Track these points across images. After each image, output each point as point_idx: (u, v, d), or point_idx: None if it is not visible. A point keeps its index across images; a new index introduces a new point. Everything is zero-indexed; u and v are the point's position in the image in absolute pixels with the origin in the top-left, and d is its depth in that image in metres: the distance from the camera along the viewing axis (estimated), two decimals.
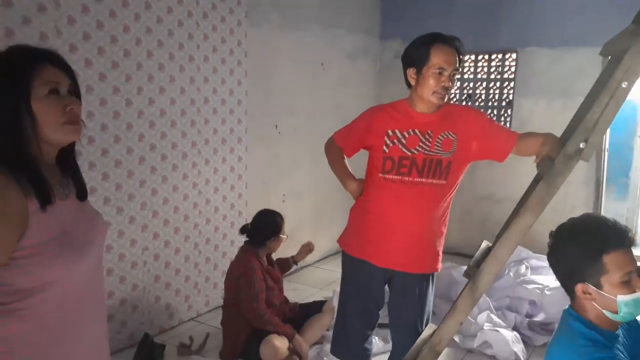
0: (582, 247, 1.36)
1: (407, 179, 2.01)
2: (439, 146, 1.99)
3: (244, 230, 2.98)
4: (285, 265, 3.22)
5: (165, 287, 3.25)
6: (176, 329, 3.32)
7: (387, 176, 2.03)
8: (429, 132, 2.00)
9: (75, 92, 1.16)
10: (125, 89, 2.88)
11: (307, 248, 3.18)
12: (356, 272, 2.21)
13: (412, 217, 2.03)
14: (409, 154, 2.00)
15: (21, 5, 2.39)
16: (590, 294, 1.35)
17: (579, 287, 1.37)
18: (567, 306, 1.50)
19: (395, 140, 2.01)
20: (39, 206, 1.07)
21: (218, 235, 3.57)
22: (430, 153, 1.99)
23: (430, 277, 2.18)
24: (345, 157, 2.22)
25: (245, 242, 2.97)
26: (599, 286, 1.33)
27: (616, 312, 1.34)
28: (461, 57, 1.98)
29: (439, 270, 2.19)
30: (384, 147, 2.03)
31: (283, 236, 2.97)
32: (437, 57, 1.93)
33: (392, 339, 2.33)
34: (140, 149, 3.00)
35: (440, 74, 1.93)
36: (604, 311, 1.35)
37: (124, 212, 2.94)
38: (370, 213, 2.11)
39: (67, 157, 1.22)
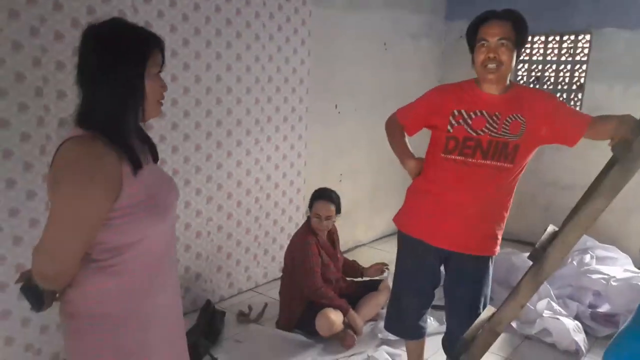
0: None
1: (470, 160, 1.98)
2: (506, 129, 1.95)
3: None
4: (353, 270, 3.26)
5: (226, 257, 3.39)
6: (236, 298, 3.46)
7: (449, 156, 2.01)
8: (496, 113, 1.96)
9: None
10: (195, 65, 2.98)
11: (379, 268, 3.18)
12: (412, 251, 2.22)
13: (471, 199, 2.01)
14: (475, 134, 1.96)
15: None
16: None
17: None
18: None
19: (461, 121, 1.98)
20: (130, 171, 1.16)
21: (277, 210, 3.66)
22: (497, 135, 1.95)
23: (489, 260, 2.15)
24: (406, 135, 2.21)
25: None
26: None
27: None
28: (517, 28, 1.91)
29: (496, 254, 2.15)
30: (449, 127, 2.00)
31: (316, 219, 2.96)
32: (481, 31, 1.92)
33: (446, 320, 2.33)
34: (207, 125, 3.11)
35: (483, 45, 1.91)
36: None
37: (191, 184, 3.08)
38: (429, 193, 2.10)
39: (142, 126, 1.31)
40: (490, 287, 2.21)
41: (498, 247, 2.14)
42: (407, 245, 2.24)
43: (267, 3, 3.34)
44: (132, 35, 1.19)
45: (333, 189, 3.12)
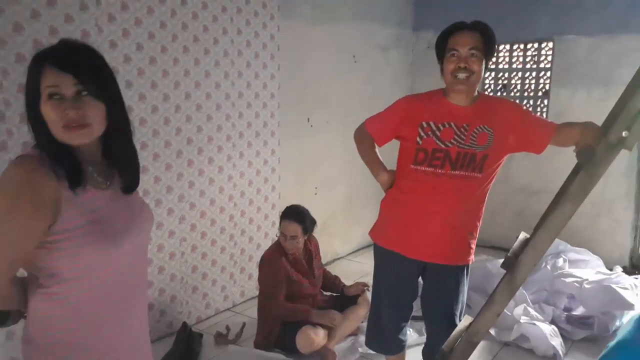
0: None
1: (439, 171, 1.99)
2: (473, 140, 1.96)
3: None
4: (334, 286, 3.23)
5: (202, 277, 3.33)
6: (213, 319, 3.40)
7: (419, 167, 2.02)
8: (464, 125, 1.97)
9: (91, 90, 1.12)
10: (163, 84, 2.95)
11: (360, 289, 3.15)
12: (388, 264, 2.21)
13: (443, 209, 2.02)
14: (443, 146, 1.97)
15: (64, 3, 2.48)
16: None
17: None
18: None
19: (430, 132, 1.99)
20: (72, 194, 1.11)
21: (252, 227, 3.63)
22: (465, 147, 1.96)
23: (464, 269, 2.16)
24: (376, 146, 2.20)
25: None
26: None
27: None
28: (485, 38, 1.94)
29: (471, 262, 2.16)
30: (418, 139, 2.01)
31: (283, 237, 2.92)
32: (451, 42, 1.94)
33: (426, 330, 2.33)
34: (178, 143, 3.07)
35: (453, 55, 1.93)
36: None
37: (162, 204, 3.02)
38: (402, 204, 2.11)
39: (116, 151, 1.24)
40: (466, 295, 2.23)
41: (472, 256, 2.15)
42: (384, 259, 2.23)
43: (234, 19, 3.34)
44: (33, 58, 1.12)
45: (309, 202, 3.10)
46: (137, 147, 2.84)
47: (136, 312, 1.30)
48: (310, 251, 3.08)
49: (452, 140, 1.97)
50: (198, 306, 3.33)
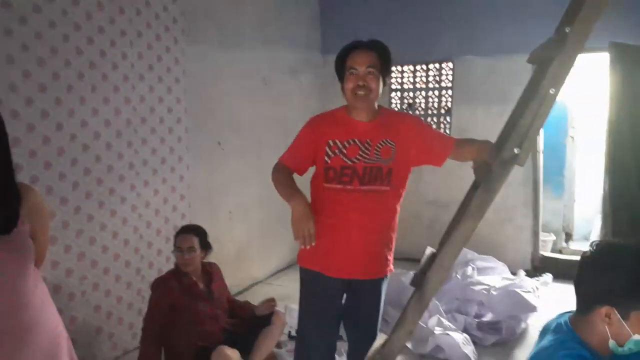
0: (633, 275, 1.27)
1: (349, 187, 2.02)
2: (378, 154, 2.02)
3: None
4: (245, 311, 3.10)
5: (107, 317, 3.09)
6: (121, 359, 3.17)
7: (330, 185, 2.04)
8: (368, 140, 2.02)
9: None
10: (55, 112, 2.74)
11: (269, 305, 3.04)
12: (312, 285, 2.19)
13: (359, 225, 2.04)
14: (350, 163, 2.01)
15: None
16: (610, 319, 1.29)
17: (604, 309, 1.29)
18: (560, 320, 1.43)
19: (337, 151, 2.03)
20: None
21: (161, 258, 3.44)
22: (370, 161, 2.01)
23: (383, 281, 2.20)
24: (293, 174, 2.14)
25: None
26: (625, 317, 1.28)
27: (621, 346, 1.30)
28: (381, 57, 2.01)
29: (390, 273, 2.20)
30: (326, 158, 2.04)
31: (179, 254, 2.79)
32: (349, 61, 2.00)
33: (348, 344, 2.32)
34: (74, 174, 2.85)
35: (352, 74, 1.99)
36: (610, 340, 1.31)
37: (59, 241, 2.77)
38: (319, 224, 2.06)
39: None
40: (383, 306, 2.26)
41: (391, 266, 2.20)
42: (308, 280, 2.21)
43: (134, 43, 3.19)
44: None
45: (224, 228, 3.00)
46: (27, 181, 2.62)
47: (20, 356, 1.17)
48: (210, 273, 2.94)
49: (357, 157, 2.01)
50: (104, 348, 3.07)
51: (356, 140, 2.03)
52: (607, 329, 1.30)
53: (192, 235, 2.82)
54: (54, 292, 2.77)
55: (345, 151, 2.02)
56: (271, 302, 3.05)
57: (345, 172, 2.01)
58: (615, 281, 1.28)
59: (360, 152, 2.02)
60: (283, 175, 2.11)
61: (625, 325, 1.28)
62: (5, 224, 1.20)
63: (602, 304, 1.30)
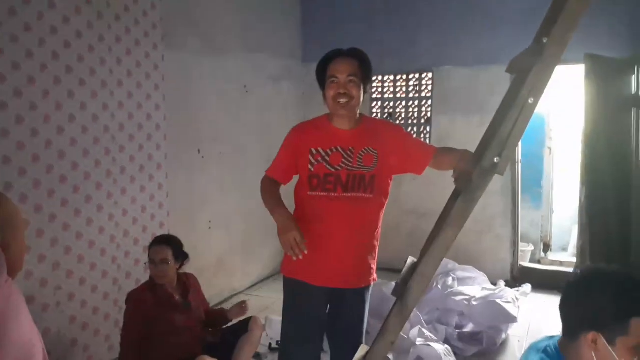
0: (618, 301, 1.26)
1: (333, 194, 2.02)
2: (360, 161, 2.04)
3: None
4: (220, 317, 3.03)
5: (82, 328, 3.01)
6: None
7: (314, 194, 2.04)
8: (350, 148, 2.04)
9: None
10: (31, 117, 2.67)
11: (240, 308, 2.98)
12: (296, 294, 2.17)
13: (342, 232, 2.04)
14: (333, 170, 2.03)
15: None
16: (596, 345, 1.28)
17: (590, 335, 1.29)
18: (549, 342, 1.42)
19: (320, 158, 2.04)
20: None
21: (139, 268, 3.37)
22: (353, 169, 2.03)
23: (367, 290, 2.20)
24: (279, 185, 2.15)
25: None
26: (611, 343, 1.27)
27: None
28: (362, 64, 2.03)
29: (373, 282, 2.20)
30: (309, 166, 2.04)
31: (152, 266, 2.70)
32: (330, 69, 2.02)
33: (331, 350, 2.29)
34: (49, 182, 2.78)
35: (333, 82, 2.01)
36: None
37: (32, 250, 2.70)
38: (303, 231, 2.06)
39: None
40: (367, 313, 2.24)
41: (375, 275, 2.19)
42: (291, 289, 2.19)
43: (113, 49, 3.15)
44: None
45: (203, 238, 2.94)
46: (0, 188, 2.55)
47: None
48: (186, 284, 2.87)
49: (340, 164, 2.03)
50: None
51: (339, 147, 2.04)
52: (594, 355, 1.29)
53: (165, 246, 2.72)
54: (27, 303, 2.68)
55: (328, 159, 2.03)
56: (242, 304, 2.98)
57: (328, 180, 2.02)
58: (600, 307, 1.28)
59: (343, 160, 2.03)
60: (268, 188, 2.13)
61: (612, 351, 1.27)
62: None
63: (588, 329, 1.29)
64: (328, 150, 2.04)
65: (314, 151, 2.05)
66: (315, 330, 2.19)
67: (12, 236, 1.29)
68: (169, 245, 2.73)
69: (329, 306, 2.21)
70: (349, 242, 2.06)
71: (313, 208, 2.06)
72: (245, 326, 2.94)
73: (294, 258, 1.91)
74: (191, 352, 2.67)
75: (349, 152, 2.03)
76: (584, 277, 1.36)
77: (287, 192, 2.14)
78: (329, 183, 2.02)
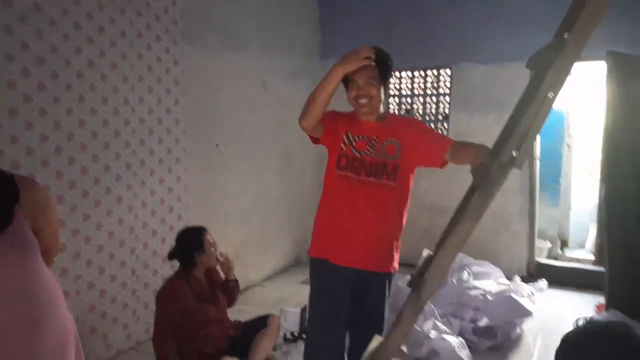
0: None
1: (358, 177, 2.14)
2: (383, 150, 2.16)
3: (170, 255, 2.80)
4: (227, 289, 3.07)
5: (101, 316, 3.08)
6: None
7: (342, 173, 2.16)
8: (374, 137, 2.19)
9: None
10: (54, 111, 2.73)
11: (226, 265, 2.96)
12: (320, 273, 2.26)
13: (365, 215, 2.14)
14: (359, 155, 2.16)
15: None
16: None
17: None
18: None
19: (348, 142, 2.18)
20: None
21: (157, 259, 3.43)
22: (376, 156, 2.15)
23: (390, 277, 2.25)
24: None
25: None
26: None
27: None
28: (380, 65, 2.10)
29: (394, 270, 2.25)
30: (342, 145, 2.18)
31: (212, 250, 2.77)
32: (350, 72, 2.09)
33: (350, 337, 2.30)
34: (71, 173, 2.84)
35: (353, 85, 2.12)
36: None
37: None
38: (330, 210, 2.23)
39: None
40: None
41: (397, 264, 2.25)
42: (316, 269, 2.28)
43: (134, 43, 3.20)
44: None
45: (220, 230, 2.97)
46: None
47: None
48: (213, 275, 2.91)
49: (365, 150, 2.16)
50: (97, 348, 3.06)
51: (365, 136, 2.18)
52: None
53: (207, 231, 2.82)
54: None
55: (354, 144, 2.17)
56: (226, 262, 2.95)
57: (354, 163, 2.15)
58: None
59: (368, 147, 2.16)
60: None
61: None
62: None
63: None
64: (356, 137, 2.18)
65: (349, 134, 2.19)
66: (340, 310, 2.23)
67: (45, 222, 1.32)
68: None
69: (355, 290, 2.24)
70: (370, 224, 2.15)
71: (340, 188, 2.17)
72: (263, 322, 3.00)
73: (372, 57, 2.02)
74: (218, 346, 2.72)
75: (373, 141, 2.17)
76: (581, 334, 1.28)
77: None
78: (354, 166, 2.15)
